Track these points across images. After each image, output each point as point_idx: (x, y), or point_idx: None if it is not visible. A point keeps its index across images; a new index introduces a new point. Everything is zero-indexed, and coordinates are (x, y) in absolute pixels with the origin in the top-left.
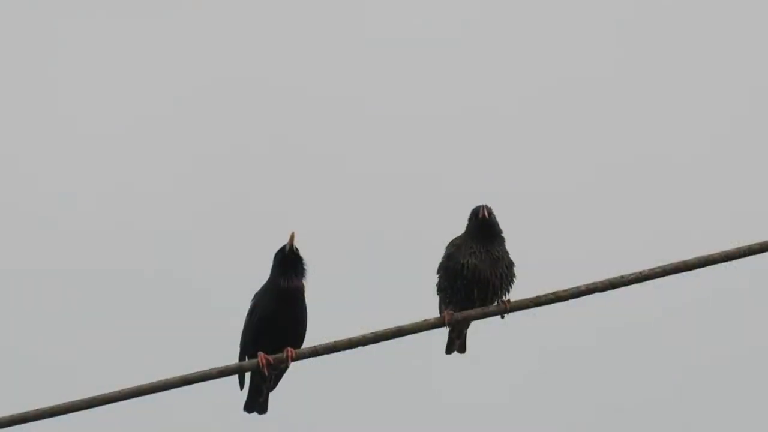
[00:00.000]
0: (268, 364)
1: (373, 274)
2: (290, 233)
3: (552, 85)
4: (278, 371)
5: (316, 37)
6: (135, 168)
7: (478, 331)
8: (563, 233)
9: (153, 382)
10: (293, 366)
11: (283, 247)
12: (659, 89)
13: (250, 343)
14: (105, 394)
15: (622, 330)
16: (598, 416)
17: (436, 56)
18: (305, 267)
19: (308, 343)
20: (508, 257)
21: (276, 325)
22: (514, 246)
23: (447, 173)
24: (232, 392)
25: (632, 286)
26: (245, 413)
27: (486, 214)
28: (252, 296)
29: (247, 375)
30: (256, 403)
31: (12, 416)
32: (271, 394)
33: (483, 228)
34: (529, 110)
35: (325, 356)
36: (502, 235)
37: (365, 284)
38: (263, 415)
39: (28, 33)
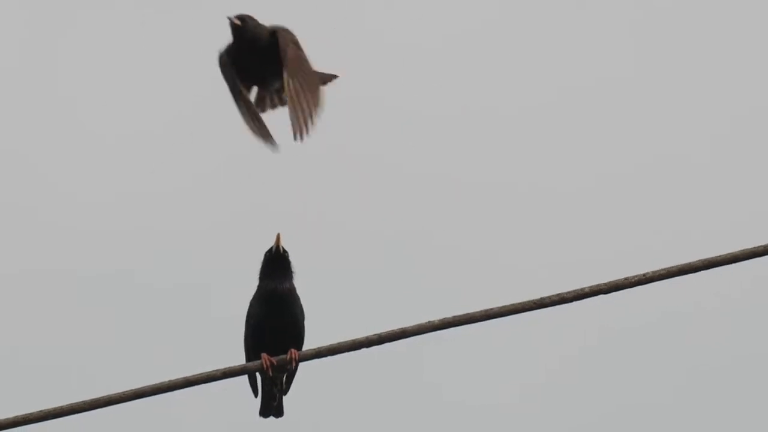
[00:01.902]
0: (272, 365)
1: (377, 275)
2: (276, 234)
3: (562, 85)
4: (285, 373)
5: (327, 40)
6: (146, 170)
7: (484, 332)
8: (568, 234)
9: (156, 384)
10: (306, 367)
11: (270, 249)
12: (671, 90)
13: (251, 349)
14: (108, 395)
15: (630, 332)
16: (602, 419)
17: (447, 57)
18: (292, 268)
19: (313, 344)
20: None
21: (271, 330)
22: (519, 248)
23: (453, 173)
24: (248, 399)
25: (636, 288)
26: (261, 418)
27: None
28: (248, 302)
29: (259, 381)
30: (270, 407)
31: (15, 417)
32: (287, 397)
33: None
34: (537, 111)
35: (340, 356)
36: None
37: (369, 284)
38: (280, 419)
39: (39, 30)
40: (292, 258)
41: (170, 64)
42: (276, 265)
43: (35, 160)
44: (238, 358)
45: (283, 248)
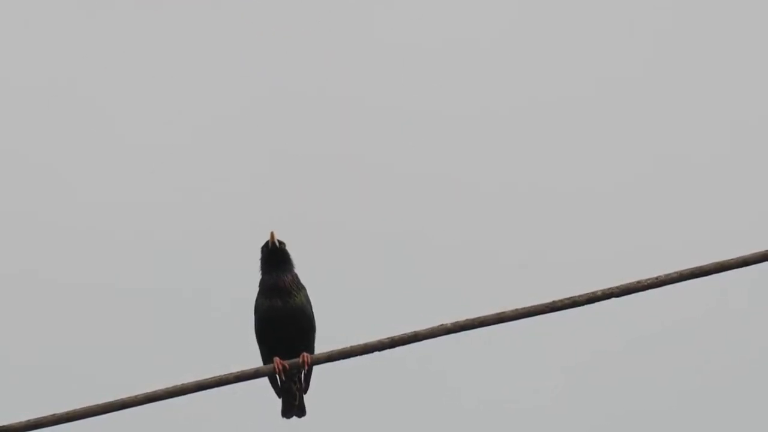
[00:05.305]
0: (284, 369)
1: (389, 278)
2: (270, 232)
3: (570, 87)
4: (300, 373)
5: (329, 41)
6: (171, 181)
7: (498, 335)
8: (580, 237)
9: (168, 387)
10: (328, 366)
11: (266, 244)
12: (686, 92)
13: (262, 346)
14: (122, 398)
15: (642, 334)
16: (614, 421)
17: (448, 58)
18: (291, 260)
19: (326, 347)
20: None
21: (278, 321)
22: (529, 248)
23: (464, 175)
24: (271, 401)
25: (649, 291)
26: (285, 419)
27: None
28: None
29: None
30: (292, 407)
31: (27, 421)
32: (310, 397)
33: None
34: (545, 113)
35: (360, 357)
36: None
37: (381, 288)
38: (302, 418)
39: (74, 35)
40: (289, 249)
41: (169, 71)
42: (274, 258)
43: (35, 160)
44: (255, 360)
45: (278, 242)
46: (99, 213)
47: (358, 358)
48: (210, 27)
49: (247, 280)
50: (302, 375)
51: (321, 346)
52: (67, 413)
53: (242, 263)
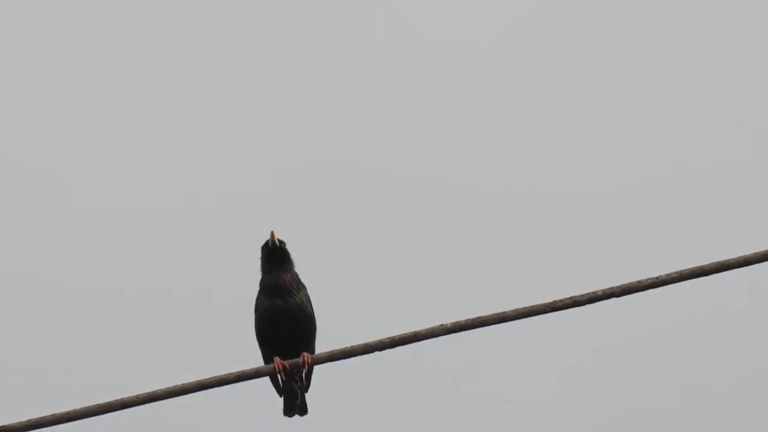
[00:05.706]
0: (284, 369)
1: (389, 278)
2: (270, 231)
3: (573, 87)
4: (300, 373)
5: (330, 41)
6: (181, 184)
7: (498, 335)
8: (579, 235)
9: (168, 387)
10: (330, 366)
11: (266, 244)
12: (686, 94)
13: (262, 346)
14: (122, 398)
15: (643, 334)
16: (615, 421)
17: (449, 58)
18: (291, 259)
19: (326, 346)
20: None
21: (277, 324)
22: (529, 248)
23: (464, 175)
24: (273, 400)
25: (649, 291)
26: (287, 418)
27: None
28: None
29: (280, 379)
30: (294, 406)
31: (27, 421)
32: (311, 396)
33: None
34: (545, 113)
35: (361, 357)
36: None
37: (381, 288)
38: (304, 417)
39: (85, 36)
40: (289, 248)
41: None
42: (274, 257)
43: (35, 160)
44: (255, 360)
45: (278, 241)
46: (99, 213)
47: (359, 357)
48: (210, 27)
49: (247, 280)
50: (303, 374)
51: (321, 346)
52: (68, 413)
53: (242, 263)
